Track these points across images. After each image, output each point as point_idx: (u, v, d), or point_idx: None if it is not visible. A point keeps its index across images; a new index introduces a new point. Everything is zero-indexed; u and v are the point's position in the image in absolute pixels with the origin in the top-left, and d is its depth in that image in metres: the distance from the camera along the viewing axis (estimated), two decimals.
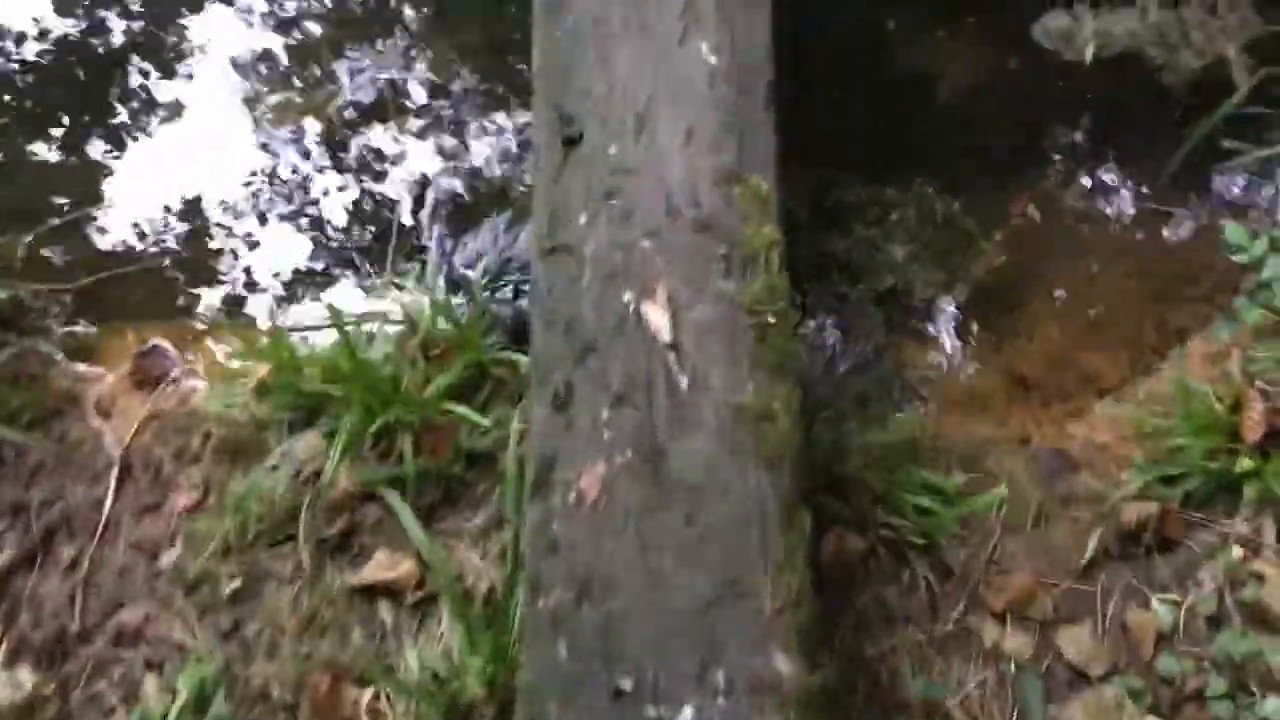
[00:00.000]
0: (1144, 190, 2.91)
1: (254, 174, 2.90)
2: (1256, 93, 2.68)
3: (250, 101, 2.99)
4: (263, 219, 2.86)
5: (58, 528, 2.13)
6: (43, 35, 3.09)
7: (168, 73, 3.05)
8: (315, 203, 2.88)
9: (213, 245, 2.83)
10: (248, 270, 2.80)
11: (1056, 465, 2.41)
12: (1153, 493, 2.10)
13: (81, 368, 2.51)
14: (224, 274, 2.79)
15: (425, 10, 3.15)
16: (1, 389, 2.27)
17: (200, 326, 2.70)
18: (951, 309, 2.80)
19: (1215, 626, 1.95)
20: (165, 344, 2.60)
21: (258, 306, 2.76)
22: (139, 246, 2.81)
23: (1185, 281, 2.81)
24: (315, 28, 3.13)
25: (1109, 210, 2.92)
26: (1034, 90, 3.07)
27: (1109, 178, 2.96)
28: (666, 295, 1.76)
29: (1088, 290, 2.82)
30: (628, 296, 1.76)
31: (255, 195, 2.89)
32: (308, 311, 2.71)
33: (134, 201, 2.87)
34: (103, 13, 3.15)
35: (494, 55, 3.07)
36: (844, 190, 2.91)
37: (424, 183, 2.81)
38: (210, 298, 2.77)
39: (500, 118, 2.97)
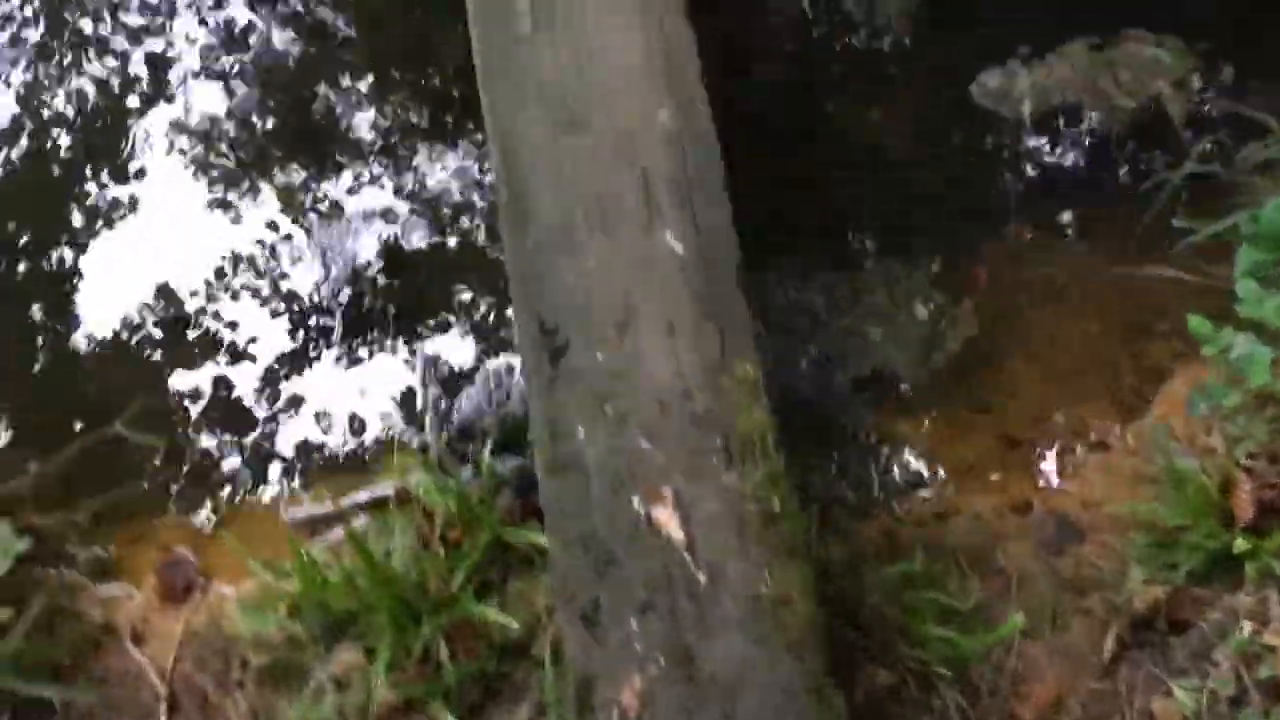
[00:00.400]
0: (1100, 238, 2.99)
1: (237, 351, 2.93)
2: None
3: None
4: (250, 391, 2.90)
5: None
6: None
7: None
8: (301, 369, 2.92)
9: (203, 427, 2.85)
10: (247, 449, 2.83)
11: (1060, 535, 2.51)
12: (1157, 576, 2.19)
13: (108, 590, 2.57)
14: (221, 454, 2.82)
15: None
16: (40, 642, 2.32)
17: (212, 525, 2.74)
18: (934, 382, 2.87)
19: (1237, 707, 2.04)
20: (186, 552, 2.66)
21: (263, 486, 2.80)
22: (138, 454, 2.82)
23: (1153, 316, 2.89)
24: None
25: (1069, 262, 2.99)
26: (978, 153, 3.14)
27: (1063, 230, 3.03)
28: (673, 495, 1.83)
29: (1061, 341, 2.90)
30: (636, 502, 1.84)
31: (245, 368, 2.92)
32: (313, 491, 2.77)
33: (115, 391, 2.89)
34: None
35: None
36: (813, 282, 2.98)
37: (412, 341, 2.86)
38: (215, 483, 2.80)
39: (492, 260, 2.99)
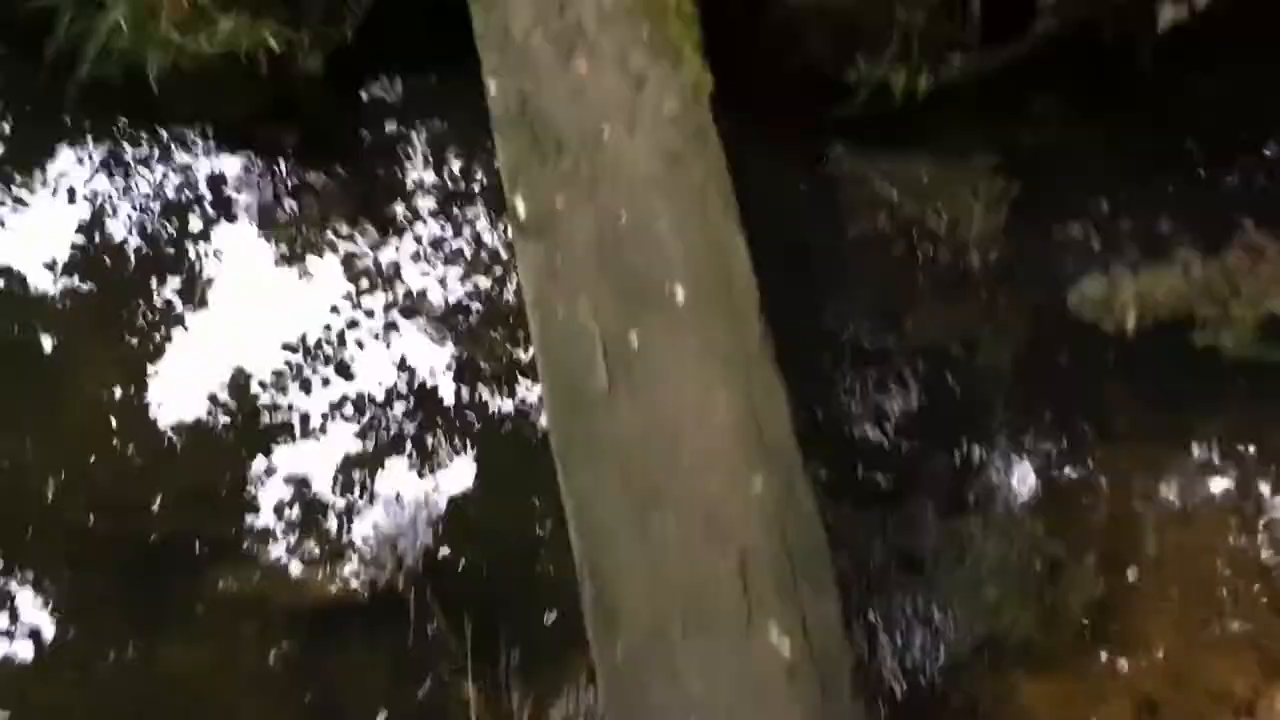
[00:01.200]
0: (1227, 466, 2.77)
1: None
2: None
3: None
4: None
5: None
6: None
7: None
8: None
9: None
10: None
11: None
12: None
13: None
14: None
15: None
16: None
17: None
18: (1058, 641, 2.65)
19: None
20: None
21: None
22: None
23: None
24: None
25: (1194, 494, 2.77)
26: (1079, 369, 2.93)
27: (1184, 458, 2.81)
28: None
29: (1196, 587, 2.68)
30: None
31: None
32: None
33: None
34: None
35: None
36: (916, 535, 2.79)
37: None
38: None
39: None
